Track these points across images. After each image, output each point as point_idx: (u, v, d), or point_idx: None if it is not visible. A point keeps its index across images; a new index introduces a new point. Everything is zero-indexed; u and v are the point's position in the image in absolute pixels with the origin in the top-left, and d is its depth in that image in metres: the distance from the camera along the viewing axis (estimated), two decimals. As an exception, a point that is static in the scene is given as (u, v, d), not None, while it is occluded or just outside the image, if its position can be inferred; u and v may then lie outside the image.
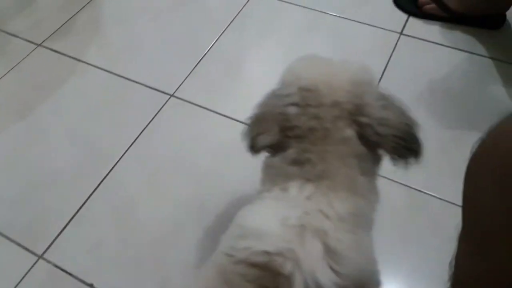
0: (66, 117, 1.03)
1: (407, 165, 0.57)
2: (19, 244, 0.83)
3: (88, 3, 1.30)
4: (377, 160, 0.57)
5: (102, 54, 1.16)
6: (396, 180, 0.87)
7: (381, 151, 0.56)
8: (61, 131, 1.01)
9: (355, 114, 0.53)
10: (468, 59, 1.08)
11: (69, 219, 0.86)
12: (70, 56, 1.16)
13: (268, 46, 1.14)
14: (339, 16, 1.20)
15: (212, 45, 1.15)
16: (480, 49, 1.10)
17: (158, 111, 1.02)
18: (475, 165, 0.41)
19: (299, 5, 1.24)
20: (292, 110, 0.54)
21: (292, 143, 0.54)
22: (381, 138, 0.53)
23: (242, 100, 0.58)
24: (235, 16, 1.22)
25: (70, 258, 0.81)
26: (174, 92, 1.05)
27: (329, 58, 0.60)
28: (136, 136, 0.98)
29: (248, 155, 0.58)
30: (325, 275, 0.45)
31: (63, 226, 0.85)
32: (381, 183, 0.86)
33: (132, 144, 0.96)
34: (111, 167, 0.93)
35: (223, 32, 1.18)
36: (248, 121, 0.58)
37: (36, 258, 0.81)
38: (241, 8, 1.24)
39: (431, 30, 1.15)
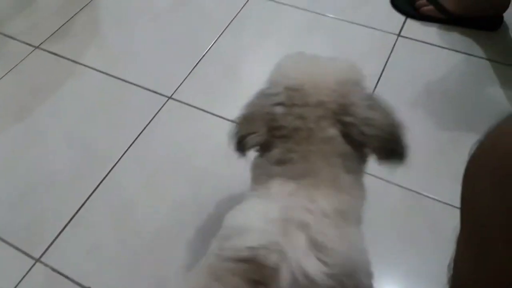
0: (64, 119, 1.03)
1: (391, 166, 0.58)
2: (16, 247, 0.83)
3: (86, 5, 1.30)
4: (363, 159, 0.58)
5: (100, 56, 1.16)
6: (394, 182, 0.87)
7: (366, 150, 0.56)
8: (59, 133, 1.00)
9: (339, 114, 0.53)
10: (465, 61, 1.08)
11: (66, 221, 0.86)
12: (68, 58, 1.16)
13: (267, 47, 1.14)
14: (337, 18, 1.20)
15: (211, 47, 1.15)
16: (478, 50, 1.10)
17: (156, 113, 1.02)
18: (474, 167, 0.41)
19: (297, 7, 1.24)
20: (279, 110, 0.54)
21: (277, 143, 0.54)
22: (366, 138, 0.54)
23: (240, 102, 0.58)
24: (233, 18, 1.22)
25: (67, 261, 0.81)
26: (172, 94, 1.05)
27: (317, 56, 0.60)
28: (134, 138, 0.97)
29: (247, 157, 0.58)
30: (312, 265, 0.45)
31: (60, 228, 0.85)
32: (378, 185, 0.87)
33: (130, 146, 0.96)
34: (109, 169, 0.93)
35: (221, 34, 1.18)
36: (236, 121, 0.58)
37: (33, 261, 0.81)
38: (239, 10, 1.24)
39: (429, 32, 1.15)
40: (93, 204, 0.88)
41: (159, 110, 1.02)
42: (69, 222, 0.86)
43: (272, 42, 1.16)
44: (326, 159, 0.53)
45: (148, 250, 0.82)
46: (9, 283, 0.79)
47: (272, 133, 0.55)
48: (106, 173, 0.92)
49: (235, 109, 0.59)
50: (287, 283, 0.44)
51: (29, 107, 1.06)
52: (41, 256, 0.81)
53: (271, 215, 0.49)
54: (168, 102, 1.04)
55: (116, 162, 0.94)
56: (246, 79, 1.08)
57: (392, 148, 0.56)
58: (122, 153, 0.95)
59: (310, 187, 0.51)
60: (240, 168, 0.61)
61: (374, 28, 1.17)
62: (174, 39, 1.18)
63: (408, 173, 0.89)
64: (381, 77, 1.05)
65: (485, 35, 1.13)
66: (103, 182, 0.91)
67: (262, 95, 0.58)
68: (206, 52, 1.14)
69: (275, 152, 0.54)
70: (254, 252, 0.46)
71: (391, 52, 1.11)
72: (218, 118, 1.00)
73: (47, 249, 0.82)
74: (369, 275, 0.52)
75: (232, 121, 0.98)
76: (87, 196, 0.89)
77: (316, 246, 0.46)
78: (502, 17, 1.14)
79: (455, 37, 1.13)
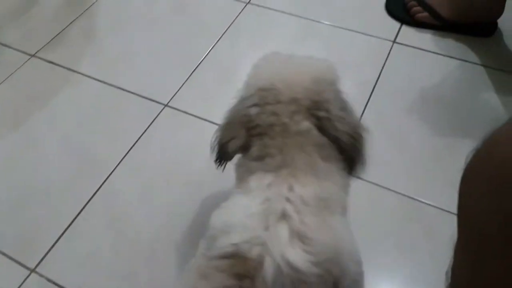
0: (60, 128, 1.03)
1: (352, 170, 0.59)
2: (11, 257, 0.82)
3: (81, 13, 1.30)
4: (339, 150, 0.58)
5: (96, 64, 1.16)
6: (390, 188, 0.87)
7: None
8: (54, 142, 1.00)
9: (313, 109, 0.55)
10: (460, 67, 1.09)
11: (62, 231, 0.85)
12: (64, 66, 1.16)
13: (263, 55, 1.14)
14: (332, 25, 1.21)
15: (207, 54, 1.16)
16: (472, 56, 1.11)
17: (153, 121, 1.02)
18: (470, 174, 0.41)
19: (293, 14, 1.24)
20: (253, 110, 0.56)
21: (255, 141, 0.56)
22: (338, 133, 0.56)
23: (236, 110, 0.59)
24: (230, 25, 1.22)
25: (63, 271, 0.80)
26: (169, 102, 1.05)
27: (292, 55, 0.62)
28: (131, 147, 0.97)
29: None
30: (295, 255, 0.46)
31: (56, 238, 0.84)
32: (375, 191, 0.87)
33: (126, 154, 0.96)
34: (105, 178, 0.92)
35: (217, 41, 1.18)
36: (216, 130, 0.60)
37: (28, 271, 0.80)
38: (235, 17, 1.24)
39: (424, 38, 1.16)
40: (89, 213, 0.88)
41: (155, 118, 1.02)
42: (64, 231, 0.85)
43: (268, 49, 1.14)
44: (302, 149, 0.54)
45: (143, 259, 0.81)
46: (3, 294, 0.78)
47: (250, 133, 0.56)
48: (102, 181, 0.92)
49: (231, 116, 0.59)
50: (271, 273, 0.45)
51: (25, 116, 1.05)
52: (36, 266, 0.81)
53: (252, 210, 0.50)
54: (164, 109, 1.04)
55: (112, 171, 0.93)
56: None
57: (357, 149, 0.58)
58: (118, 162, 0.95)
59: (288, 176, 0.53)
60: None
61: (369, 35, 1.17)
62: (171, 46, 1.18)
63: (405, 179, 0.89)
64: (377, 84, 1.06)
65: (479, 41, 1.13)
66: (99, 191, 0.90)
67: (239, 100, 0.60)
68: (203, 59, 1.14)
69: (253, 150, 0.56)
70: (237, 247, 0.47)
71: (386, 58, 1.11)
72: (214, 125, 1.00)
73: (42, 259, 0.82)
74: (357, 262, 0.52)
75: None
76: (83, 205, 0.88)
77: (298, 235, 0.47)
78: (496, 23, 1.15)
79: (450, 44, 1.14)
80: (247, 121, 0.56)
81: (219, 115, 1.01)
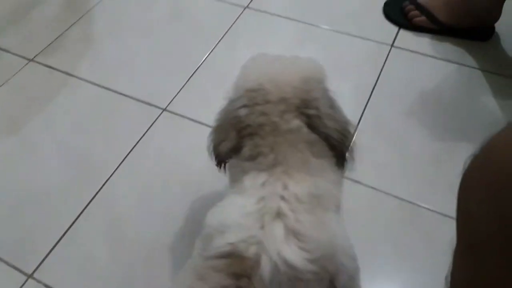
0: (58, 132, 1.02)
1: (342, 166, 0.60)
2: (8, 263, 0.82)
3: (80, 18, 1.30)
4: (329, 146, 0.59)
5: (94, 69, 1.16)
6: (388, 192, 0.87)
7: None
8: (53, 146, 1.00)
9: (302, 107, 0.56)
10: (458, 71, 1.09)
11: (60, 236, 0.85)
12: (62, 71, 1.16)
13: (250, 56, 1.14)
14: (330, 29, 1.21)
15: (205, 58, 1.16)
16: (470, 60, 1.11)
17: (151, 125, 1.01)
18: (469, 180, 0.41)
19: (291, 19, 1.25)
20: (243, 112, 0.56)
21: (246, 142, 0.56)
22: (328, 130, 0.56)
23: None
24: (228, 30, 1.22)
25: (61, 277, 0.80)
26: (167, 106, 1.05)
27: (280, 56, 0.62)
28: (129, 151, 0.97)
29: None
30: (291, 253, 0.46)
31: (54, 243, 0.84)
32: (373, 195, 0.86)
33: (124, 159, 0.96)
34: (103, 183, 0.92)
35: (216, 46, 1.19)
36: (209, 134, 0.61)
37: (25, 277, 0.80)
38: (233, 21, 1.25)
39: (422, 42, 1.16)
40: (87, 218, 0.87)
41: (153, 122, 1.02)
42: (62, 236, 0.85)
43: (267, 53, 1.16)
44: (293, 147, 0.55)
45: (141, 264, 0.81)
46: (0, 300, 0.77)
47: (241, 134, 0.57)
48: (100, 186, 0.91)
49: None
50: (268, 272, 0.46)
51: (23, 120, 1.05)
52: (33, 272, 0.80)
53: (247, 209, 0.50)
54: (162, 114, 1.04)
55: (111, 175, 0.93)
56: (241, 91, 1.08)
57: (344, 148, 0.59)
58: (117, 166, 0.94)
59: (281, 174, 0.53)
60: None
61: (367, 39, 1.18)
62: (169, 51, 1.19)
63: (403, 183, 0.89)
64: (375, 88, 1.06)
65: (477, 45, 1.14)
66: (97, 195, 0.90)
67: (228, 102, 0.60)
68: (201, 64, 1.14)
69: (245, 150, 0.56)
70: (234, 247, 0.47)
71: (384, 62, 1.12)
72: (213, 129, 1.00)
73: (40, 264, 0.81)
74: (352, 258, 0.53)
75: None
76: (81, 209, 0.88)
77: (293, 233, 0.48)
78: (493, 28, 1.15)
79: (448, 47, 1.14)
80: (237, 122, 0.57)
81: (218, 119, 1.03)
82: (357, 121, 0.99)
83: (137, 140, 0.99)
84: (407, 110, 1.01)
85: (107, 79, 1.12)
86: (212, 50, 1.18)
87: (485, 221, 0.40)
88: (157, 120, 1.03)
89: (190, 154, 0.96)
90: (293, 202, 0.50)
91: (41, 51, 1.21)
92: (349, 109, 0.99)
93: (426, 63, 1.11)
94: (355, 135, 0.97)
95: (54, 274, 0.80)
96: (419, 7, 1.17)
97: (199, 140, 0.99)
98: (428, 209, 0.84)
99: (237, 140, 0.57)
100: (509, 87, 1.05)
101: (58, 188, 0.92)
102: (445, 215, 0.82)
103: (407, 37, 1.17)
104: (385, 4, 1.25)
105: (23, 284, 0.79)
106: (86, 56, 1.20)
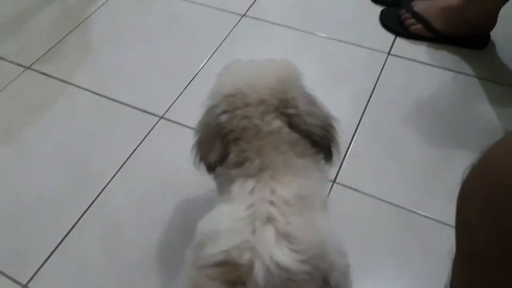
0: (54, 140, 1.02)
1: (330, 160, 0.61)
2: (2, 273, 0.81)
3: (77, 26, 1.30)
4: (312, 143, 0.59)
5: (91, 76, 1.16)
6: (386, 199, 0.87)
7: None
8: (49, 154, 0.99)
9: (282, 107, 0.56)
10: (454, 78, 1.10)
11: (55, 245, 0.84)
12: (59, 79, 1.15)
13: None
14: (327, 37, 1.22)
15: (202, 66, 1.16)
16: (466, 68, 1.12)
17: (148, 134, 1.01)
18: (467, 190, 0.41)
19: (288, 27, 1.25)
20: (224, 117, 0.57)
21: (231, 148, 0.57)
22: (309, 127, 0.57)
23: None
24: (225, 38, 1.23)
25: (55, 287, 0.79)
26: (164, 114, 1.05)
27: (253, 60, 0.63)
28: (125, 159, 0.96)
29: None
30: (283, 255, 0.47)
31: (49, 253, 0.83)
32: (371, 203, 0.86)
33: (121, 167, 0.95)
34: (99, 191, 0.91)
35: (213, 54, 1.19)
36: (193, 147, 0.61)
37: (20, 287, 0.79)
38: (231, 29, 1.25)
39: (418, 50, 1.17)
40: (83, 227, 0.86)
41: (150, 130, 1.02)
42: (58, 245, 0.84)
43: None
44: (277, 149, 0.55)
45: (138, 273, 0.80)
46: (-6, 310, 0.76)
47: (225, 140, 0.57)
48: (97, 195, 0.91)
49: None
50: (261, 277, 0.46)
51: (18, 128, 1.05)
52: (28, 282, 0.79)
53: (238, 215, 0.51)
54: (159, 121, 1.04)
55: (107, 184, 0.92)
56: (238, 98, 1.08)
57: (329, 140, 0.59)
58: (113, 174, 0.94)
59: (268, 179, 0.53)
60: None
61: (364, 47, 1.18)
62: (166, 59, 1.19)
63: (401, 190, 0.88)
64: (372, 95, 1.06)
65: (473, 53, 1.14)
66: (94, 204, 0.89)
67: (207, 111, 0.60)
68: (198, 71, 1.15)
69: (231, 157, 0.56)
70: (228, 254, 0.47)
71: (381, 70, 1.12)
72: (210, 137, 1.00)
73: (34, 274, 0.80)
74: (342, 254, 0.53)
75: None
76: (77, 218, 0.87)
77: (284, 236, 0.48)
78: (489, 36, 1.16)
79: (444, 55, 1.15)
80: (220, 129, 0.57)
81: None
82: (355, 128, 0.99)
83: (134, 148, 0.98)
84: (404, 117, 1.02)
85: (104, 86, 1.12)
86: (209, 58, 1.18)
87: (483, 232, 0.40)
88: (154, 128, 1.02)
89: (187, 162, 0.95)
90: (281, 206, 0.51)
91: (38, 58, 1.21)
92: (347, 116, 1.01)
93: (422, 71, 1.12)
94: (353, 140, 0.97)
95: (49, 284, 0.79)
96: (416, 15, 1.18)
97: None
98: (426, 216, 0.84)
99: (223, 147, 0.57)
100: (505, 95, 1.06)
101: (54, 196, 0.91)
102: (443, 223, 0.82)
103: (403, 45, 1.18)
104: (382, 12, 1.26)
105: (17, 295, 0.78)
106: (83, 64, 1.20)
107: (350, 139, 0.97)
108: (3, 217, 0.89)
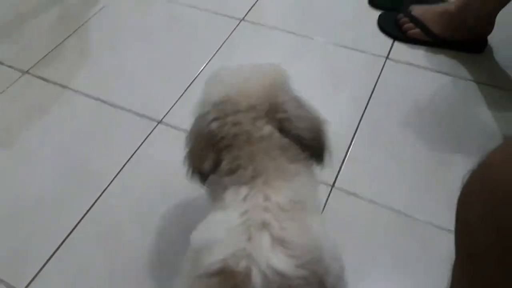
0: (53, 142, 1.02)
1: (321, 163, 0.61)
2: (0, 278, 0.80)
3: (76, 29, 1.30)
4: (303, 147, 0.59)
5: (89, 81, 1.16)
6: (385, 204, 0.87)
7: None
8: (47, 158, 0.99)
9: (272, 112, 0.56)
10: (453, 82, 1.10)
11: (54, 250, 0.83)
12: (57, 83, 1.15)
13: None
14: (326, 41, 1.22)
15: (201, 70, 1.16)
16: (464, 72, 1.12)
17: (146, 138, 1.01)
18: (467, 196, 0.41)
19: (287, 31, 1.26)
20: (215, 125, 0.57)
21: (224, 155, 0.56)
22: (299, 131, 0.57)
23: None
24: (224, 42, 1.23)
25: (54, 291, 0.78)
26: (163, 118, 1.05)
27: (240, 66, 0.63)
28: (124, 163, 0.96)
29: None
30: (280, 261, 0.47)
31: (47, 257, 0.82)
32: (369, 208, 0.86)
33: (119, 171, 0.95)
34: (98, 195, 0.91)
35: (212, 58, 1.19)
36: (184, 158, 0.61)
37: (18, 291, 0.78)
38: (229, 33, 1.25)
39: (416, 54, 1.17)
40: (82, 231, 0.86)
41: (149, 134, 1.02)
42: (56, 250, 0.84)
43: (262, 65, 1.17)
44: (268, 155, 0.55)
45: (137, 278, 0.79)
46: (-8, 316, 0.76)
47: (217, 148, 0.57)
48: (95, 199, 0.90)
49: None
50: (259, 284, 0.46)
51: (17, 132, 1.04)
52: (28, 284, 0.79)
53: (232, 223, 0.50)
54: (158, 126, 1.03)
55: (106, 188, 0.92)
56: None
57: (320, 143, 0.60)
58: (112, 178, 0.94)
59: (261, 186, 0.53)
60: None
61: (363, 51, 1.19)
62: (165, 63, 1.19)
63: (400, 194, 0.89)
64: (370, 99, 1.06)
65: (471, 57, 1.15)
66: (92, 208, 0.89)
67: (197, 120, 0.60)
68: (197, 76, 1.15)
69: (224, 164, 0.56)
70: (224, 263, 0.47)
71: (380, 74, 1.12)
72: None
73: (33, 279, 0.80)
74: (336, 258, 0.53)
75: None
76: (76, 222, 0.87)
77: (279, 242, 0.48)
78: (486, 40, 1.17)
79: (442, 60, 1.15)
80: (211, 137, 0.57)
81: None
82: (353, 132, 0.99)
83: (132, 152, 0.98)
84: (402, 121, 1.02)
85: (102, 91, 1.12)
86: (208, 62, 1.18)
87: (483, 232, 0.40)
88: (154, 130, 1.02)
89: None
90: (276, 211, 0.51)
91: (36, 63, 1.21)
92: (346, 120, 1.02)
93: (421, 75, 1.12)
94: (351, 144, 0.97)
95: (49, 285, 0.79)
96: (414, 19, 1.18)
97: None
98: (425, 221, 0.84)
99: (215, 155, 0.57)
100: (503, 99, 1.06)
101: (53, 200, 0.91)
102: (442, 228, 0.82)
103: (402, 49, 1.19)
104: (380, 16, 1.27)
105: (15, 300, 0.77)
106: (82, 68, 1.20)
107: (349, 143, 0.97)
108: (2, 218, 0.89)
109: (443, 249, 0.71)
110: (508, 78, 1.11)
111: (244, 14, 1.31)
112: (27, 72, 1.18)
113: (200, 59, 1.19)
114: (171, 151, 0.99)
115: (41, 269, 0.81)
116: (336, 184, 0.90)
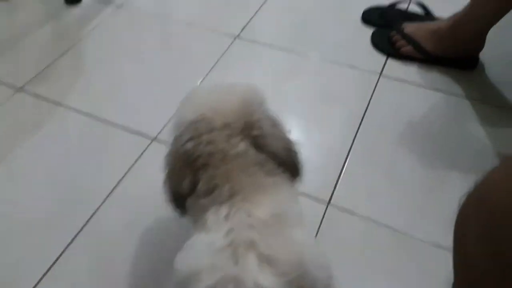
0: (44, 162, 1.00)
1: (296, 178, 0.61)
2: (-12, 302, 0.78)
3: (71, 47, 1.30)
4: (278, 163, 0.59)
5: (83, 98, 1.15)
6: (380, 221, 0.86)
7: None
8: (38, 176, 0.97)
9: (247, 129, 0.56)
10: (445, 99, 1.11)
11: (45, 271, 0.81)
12: (50, 100, 1.14)
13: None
14: (319, 58, 1.23)
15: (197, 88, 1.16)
16: (457, 89, 1.13)
17: (140, 156, 1.00)
18: (464, 218, 0.41)
19: (281, 49, 1.27)
20: (190, 145, 0.56)
21: (200, 175, 0.56)
22: (273, 148, 0.57)
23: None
24: (219, 59, 1.23)
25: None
26: (157, 136, 1.04)
27: (216, 85, 0.64)
28: (117, 182, 0.95)
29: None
30: (268, 280, 0.46)
31: (38, 278, 0.80)
32: (365, 225, 0.86)
33: (112, 190, 0.94)
34: (90, 216, 0.89)
35: (206, 75, 1.19)
36: (164, 180, 0.60)
37: (7, 316, 0.76)
38: (224, 51, 1.26)
39: (409, 71, 1.18)
40: (72, 254, 0.84)
41: (143, 152, 1.01)
42: (47, 271, 0.81)
43: (256, 83, 1.16)
44: (245, 171, 0.55)
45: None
46: None
47: (194, 168, 0.56)
48: (87, 219, 0.89)
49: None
50: None
51: (8, 149, 1.03)
52: (15, 311, 0.77)
53: (217, 245, 0.49)
54: (152, 144, 1.03)
55: (98, 208, 0.91)
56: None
57: (293, 161, 0.60)
58: (104, 198, 0.92)
59: (241, 203, 0.52)
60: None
61: (356, 68, 1.20)
62: (159, 80, 1.19)
63: (395, 212, 0.88)
64: (365, 116, 1.07)
65: (463, 74, 1.16)
66: (84, 228, 0.88)
67: (173, 141, 0.60)
68: (191, 92, 1.14)
69: (201, 185, 0.56)
70: None
71: (373, 91, 1.13)
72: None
73: (22, 302, 0.78)
74: (324, 268, 0.52)
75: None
76: (67, 243, 0.85)
77: (266, 260, 0.47)
78: (478, 57, 1.18)
79: (435, 76, 1.17)
80: (187, 157, 0.57)
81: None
82: (348, 149, 0.99)
83: (126, 171, 0.97)
84: (397, 138, 1.02)
85: (96, 108, 1.11)
86: (203, 80, 1.18)
87: (481, 258, 0.39)
88: (147, 149, 1.01)
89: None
90: (261, 227, 0.50)
91: (30, 80, 1.20)
92: (340, 137, 1.02)
93: (414, 92, 1.13)
94: (346, 161, 0.97)
95: (37, 313, 0.77)
96: (406, 37, 1.20)
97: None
98: (422, 239, 0.83)
99: (193, 176, 0.57)
100: (495, 115, 1.07)
101: (43, 220, 0.89)
102: (438, 246, 0.81)
103: (395, 66, 1.20)
104: (373, 34, 1.28)
105: (3, 325, 0.75)
106: (76, 85, 1.19)
107: (344, 160, 0.97)
108: (-10, 242, 0.87)
109: (440, 267, 0.71)
110: (499, 95, 1.12)
111: (239, 32, 1.32)
112: (20, 89, 1.18)
113: (195, 76, 1.19)
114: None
115: (31, 291, 0.79)
116: (332, 201, 0.89)
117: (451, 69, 1.17)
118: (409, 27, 1.21)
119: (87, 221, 0.88)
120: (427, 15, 1.31)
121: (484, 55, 1.18)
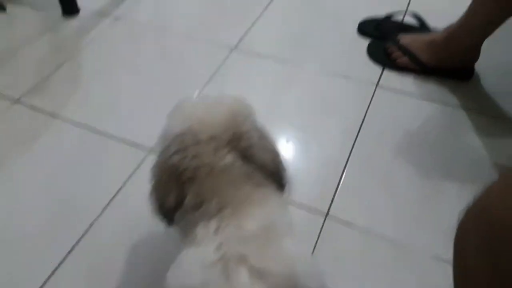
0: (39, 175, 1.00)
1: (282, 190, 0.61)
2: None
3: (68, 59, 1.30)
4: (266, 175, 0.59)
5: (80, 110, 1.15)
6: (378, 233, 0.86)
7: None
8: (34, 189, 0.97)
9: (235, 141, 0.56)
10: (441, 110, 1.12)
11: (39, 286, 0.80)
12: (47, 112, 1.14)
13: (249, 100, 1.15)
14: (316, 70, 1.24)
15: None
16: (453, 100, 1.14)
17: (137, 168, 1.00)
18: (464, 232, 0.40)
19: (278, 60, 1.27)
20: (176, 158, 0.56)
21: (188, 189, 0.55)
22: (261, 160, 0.57)
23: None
24: (216, 70, 1.24)
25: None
26: (154, 148, 1.04)
27: (203, 97, 0.63)
28: (114, 194, 0.94)
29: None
30: None
31: (32, 294, 0.79)
32: (363, 237, 0.85)
33: (109, 202, 0.93)
34: (85, 229, 0.88)
35: (203, 87, 1.19)
36: (150, 193, 0.60)
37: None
38: (221, 62, 1.26)
39: (406, 82, 1.19)
40: (69, 266, 0.83)
41: (140, 165, 1.00)
42: (42, 286, 0.80)
43: (254, 95, 1.16)
44: (232, 184, 0.54)
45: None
46: None
47: (180, 182, 0.56)
48: (82, 233, 0.88)
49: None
50: None
51: (2, 161, 1.02)
52: (9, 327, 0.76)
53: (208, 260, 0.48)
54: (149, 155, 1.02)
55: (94, 220, 0.90)
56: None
57: (279, 174, 0.60)
58: (101, 210, 0.91)
59: (230, 217, 0.52)
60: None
61: (353, 79, 1.20)
62: (156, 92, 1.19)
63: (393, 223, 0.88)
64: (361, 127, 1.07)
65: (459, 85, 1.17)
66: (80, 242, 0.87)
67: (159, 154, 0.59)
68: (189, 104, 1.14)
69: (188, 200, 0.55)
70: None
71: (370, 102, 1.14)
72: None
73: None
74: (315, 277, 0.52)
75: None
76: (63, 257, 0.84)
77: (257, 274, 0.46)
78: (473, 68, 1.19)
79: (431, 87, 1.17)
80: (173, 171, 0.56)
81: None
82: (346, 160, 0.99)
83: (123, 183, 0.96)
84: (394, 149, 1.02)
85: (93, 120, 1.11)
86: (200, 91, 1.18)
87: (480, 270, 0.39)
88: (144, 161, 1.01)
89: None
90: (251, 240, 0.50)
91: (27, 91, 1.20)
92: (337, 148, 1.02)
93: (410, 103, 1.14)
94: (343, 173, 0.97)
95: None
96: (402, 48, 1.21)
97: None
98: (421, 251, 0.83)
99: (179, 189, 0.56)
100: (491, 126, 1.08)
101: (39, 233, 0.88)
102: (439, 259, 0.80)
103: (391, 77, 1.20)
104: (369, 45, 1.29)
105: None
106: (73, 97, 1.19)
107: (341, 171, 0.97)
108: (-16, 257, 0.86)
109: (439, 279, 0.70)
110: (495, 105, 1.13)
111: (236, 43, 1.33)
112: (17, 101, 1.17)
113: (192, 88, 1.19)
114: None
115: (25, 306, 0.78)
116: (330, 213, 0.89)
117: (447, 80, 1.18)
118: (405, 39, 1.22)
119: (83, 235, 0.88)
120: (422, 27, 1.32)
121: (480, 66, 1.19)
